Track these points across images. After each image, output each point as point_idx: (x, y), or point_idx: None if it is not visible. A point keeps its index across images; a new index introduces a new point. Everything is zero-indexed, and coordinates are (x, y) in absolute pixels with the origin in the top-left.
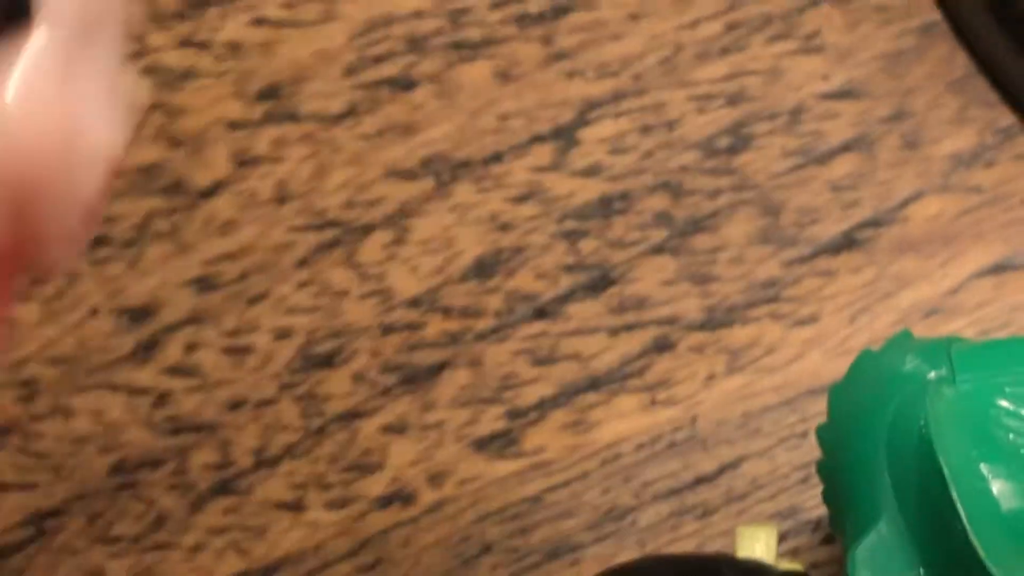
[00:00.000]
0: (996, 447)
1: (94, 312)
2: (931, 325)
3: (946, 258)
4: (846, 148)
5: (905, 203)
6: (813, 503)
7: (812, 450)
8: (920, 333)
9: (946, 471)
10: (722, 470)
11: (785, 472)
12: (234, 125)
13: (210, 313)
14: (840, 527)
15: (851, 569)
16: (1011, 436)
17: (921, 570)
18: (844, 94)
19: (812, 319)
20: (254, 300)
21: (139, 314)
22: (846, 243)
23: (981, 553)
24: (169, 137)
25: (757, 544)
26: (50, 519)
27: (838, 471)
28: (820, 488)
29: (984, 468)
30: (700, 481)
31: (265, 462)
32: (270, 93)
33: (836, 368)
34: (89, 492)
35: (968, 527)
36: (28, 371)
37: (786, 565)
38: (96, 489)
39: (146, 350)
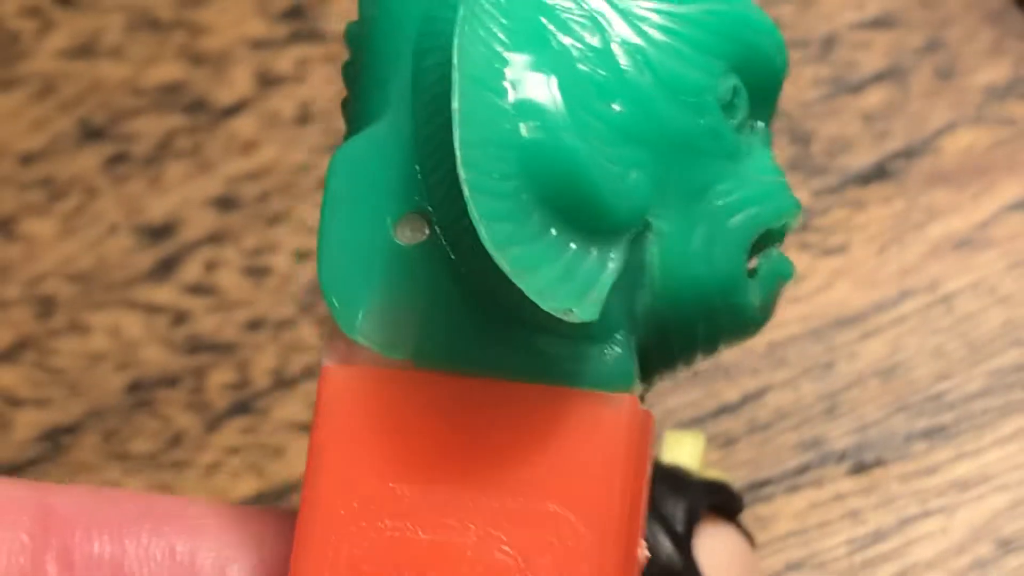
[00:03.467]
0: (539, 47)
1: (113, 229)
2: (962, 257)
3: (978, 190)
4: (879, 78)
5: (938, 134)
6: (838, 433)
7: (838, 380)
8: (951, 265)
9: (456, 72)
10: (745, 400)
11: (809, 402)
12: (258, 44)
13: (230, 232)
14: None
15: (328, 175)
16: (559, 37)
17: (421, 199)
18: (878, 23)
19: (841, 249)
20: (275, 220)
21: (158, 232)
22: (877, 173)
23: (476, 217)
24: (192, 55)
25: (682, 450)
26: (66, 435)
27: (362, 71)
28: (846, 418)
29: (508, 73)
30: (723, 411)
31: (283, 383)
32: (294, 12)
33: (864, 299)
34: (105, 409)
35: (457, 137)
36: (45, 287)
37: (711, 473)
38: (112, 406)
39: (165, 268)
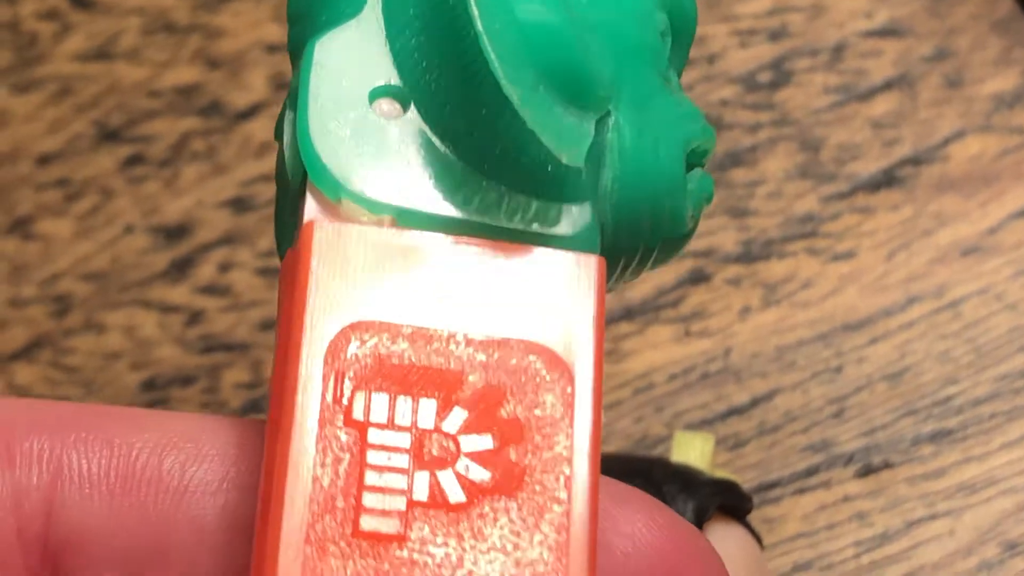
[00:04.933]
0: None
1: (129, 229)
2: (969, 264)
3: (986, 198)
4: (888, 86)
5: (946, 142)
6: (846, 436)
7: (846, 384)
8: (959, 271)
9: None
10: (755, 402)
11: (818, 406)
12: (272, 48)
13: (245, 234)
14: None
15: (305, 61)
16: None
17: (396, 81)
18: (887, 32)
19: (849, 255)
20: None
21: (174, 233)
22: (885, 180)
23: (493, 63)
24: (207, 58)
25: (691, 450)
26: None
27: None
28: (854, 422)
29: None
30: (732, 413)
31: None
32: None
33: (873, 304)
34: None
35: (482, 34)
36: (61, 286)
37: (720, 473)
38: (127, 404)
39: (180, 269)
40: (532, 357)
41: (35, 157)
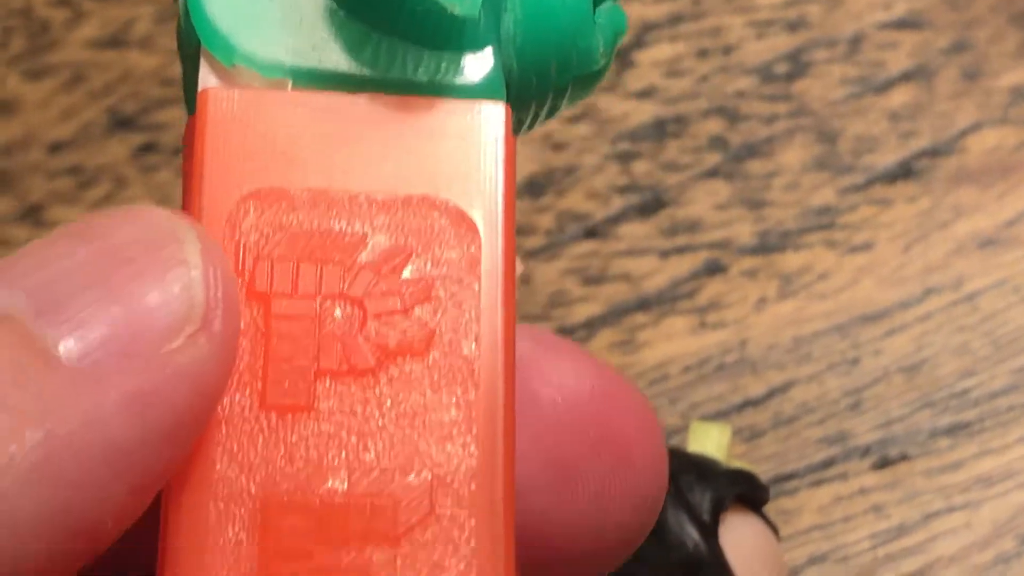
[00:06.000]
0: None
1: None
2: (986, 256)
3: (1003, 190)
4: (905, 78)
5: (963, 134)
6: (862, 428)
7: (862, 376)
8: (976, 263)
9: None
10: (771, 394)
11: (834, 397)
12: None
13: None
14: None
15: None
16: None
17: None
18: (905, 24)
19: (866, 246)
20: None
21: None
22: (902, 172)
23: None
24: None
25: (708, 441)
26: None
27: None
28: (870, 414)
29: None
30: (748, 404)
31: None
32: None
33: (889, 296)
34: None
35: None
36: None
37: (736, 464)
38: None
39: None
40: (436, 214)
41: (47, 144)
